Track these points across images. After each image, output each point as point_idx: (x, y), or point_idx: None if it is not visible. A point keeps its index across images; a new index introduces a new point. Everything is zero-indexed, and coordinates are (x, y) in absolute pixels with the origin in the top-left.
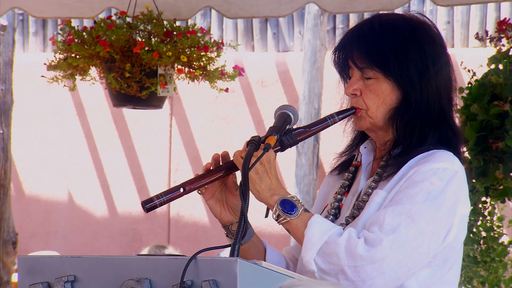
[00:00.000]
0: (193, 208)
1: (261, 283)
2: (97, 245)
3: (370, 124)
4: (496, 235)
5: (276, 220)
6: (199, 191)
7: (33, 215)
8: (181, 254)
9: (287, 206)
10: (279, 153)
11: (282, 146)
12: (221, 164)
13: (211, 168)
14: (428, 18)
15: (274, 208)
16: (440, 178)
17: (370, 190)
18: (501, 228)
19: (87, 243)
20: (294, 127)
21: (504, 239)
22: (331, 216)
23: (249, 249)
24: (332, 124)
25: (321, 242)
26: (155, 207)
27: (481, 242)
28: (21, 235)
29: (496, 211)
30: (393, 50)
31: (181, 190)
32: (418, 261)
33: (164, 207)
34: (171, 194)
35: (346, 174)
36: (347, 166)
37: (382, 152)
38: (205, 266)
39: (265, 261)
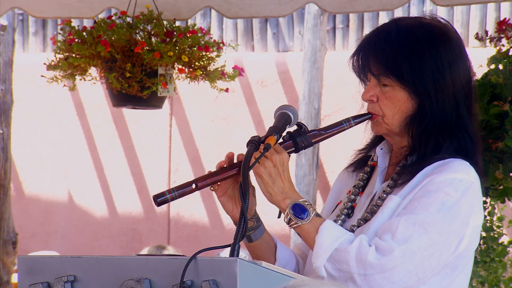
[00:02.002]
0: (193, 208)
1: (261, 283)
2: (97, 245)
3: (386, 130)
4: (496, 235)
5: (288, 224)
6: (212, 188)
7: (33, 215)
8: (181, 254)
9: (299, 210)
10: None
11: (296, 147)
12: (235, 162)
13: (225, 166)
14: (448, 22)
15: (286, 212)
16: (455, 189)
17: (384, 195)
18: (501, 228)
19: (87, 243)
20: (309, 129)
21: (504, 239)
22: (343, 216)
23: (260, 245)
24: (347, 128)
25: (332, 249)
26: (166, 201)
27: (481, 242)
28: (21, 235)
29: (496, 211)
30: (408, 60)
31: (193, 186)
32: (429, 271)
33: (164, 207)
34: (183, 190)
35: (361, 174)
36: (363, 164)
37: (398, 157)
38: (205, 266)
39: (275, 257)
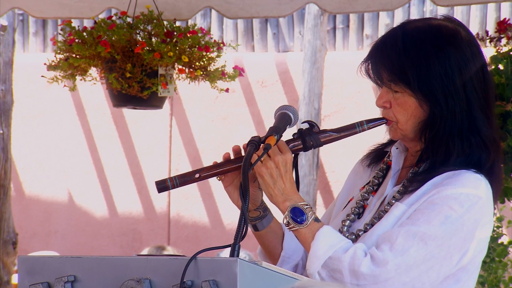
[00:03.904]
0: (193, 208)
1: (261, 283)
2: (97, 245)
3: (401, 135)
4: (495, 236)
5: (286, 226)
6: (219, 178)
7: (33, 215)
8: (181, 255)
9: (298, 213)
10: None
11: (305, 146)
12: (241, 155)
13: (231, 157)
14: (460, 23)
15: (285, 214)
16: (460, 204)
17: (393, 201)
18: (501, 229)
19: (87, 243)
20: (321, 129)
21: (504, 240)
22: (353, 216)
23: (266, 234)
24: (360, 132)
25: (326, 257)
26: (167, 188)
27: None
28: (21, 235)
29: (495, 211)
30: (414, 66)
31: (196, 176)
32: (427, 284)
33: (165, 207)
34: (186, 178)
35: (377, 172)
36: (378, 159)
37: (413, 160)
38: (205, 266)
39: (282, 246)
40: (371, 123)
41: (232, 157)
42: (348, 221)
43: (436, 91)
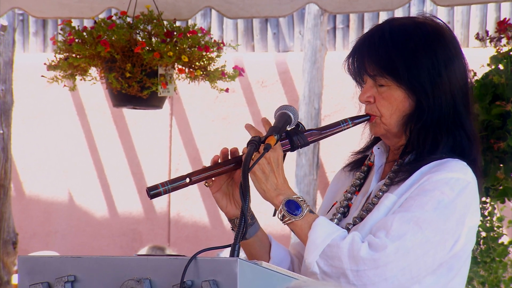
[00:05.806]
0: (193, 208)
1: (261, 283)
2: (97, 245)
3: (385, 130)
4: (496, 236)
5: (281, 220)
6: (206, 184)
7: (33, 215)
8: (181, 254)
9: (292, 206)
10: None
11: (292, 146)
12: (229, 158)
13: (219, 161)
14: (442, 21)
15: (279, 208)
16: (451, 188)
17: (380, 193)
18: (501, 229)
19: (87, 243)
20: (308, 128)
21: (504, 240)
22: (339, 215)
23: (254, 243)
24: (345, 129)
25: (324, 245)
26: (159, 194)
27: (481, 242)
28: (21, 235)
29: (496, 211)
30: (403, 58)
31: (187, 180)
32: (423, 269)
33: (165, 207)
34: (177, 183)
35: (358, 173)
36: (360, 164)
37: (395, 156)
38: (205, 266)
39: (269, 256)
40: (355, 120)
41: (220, 160)
42: (335, 220)
43: (425, 82)
